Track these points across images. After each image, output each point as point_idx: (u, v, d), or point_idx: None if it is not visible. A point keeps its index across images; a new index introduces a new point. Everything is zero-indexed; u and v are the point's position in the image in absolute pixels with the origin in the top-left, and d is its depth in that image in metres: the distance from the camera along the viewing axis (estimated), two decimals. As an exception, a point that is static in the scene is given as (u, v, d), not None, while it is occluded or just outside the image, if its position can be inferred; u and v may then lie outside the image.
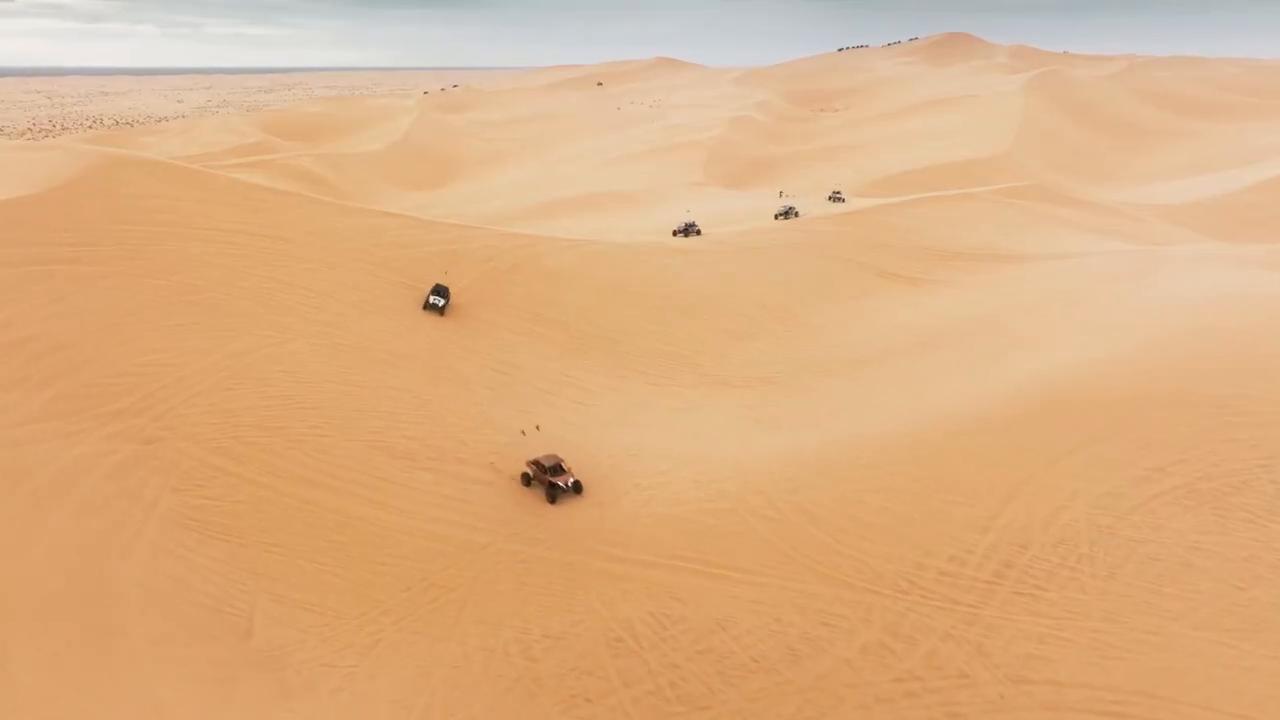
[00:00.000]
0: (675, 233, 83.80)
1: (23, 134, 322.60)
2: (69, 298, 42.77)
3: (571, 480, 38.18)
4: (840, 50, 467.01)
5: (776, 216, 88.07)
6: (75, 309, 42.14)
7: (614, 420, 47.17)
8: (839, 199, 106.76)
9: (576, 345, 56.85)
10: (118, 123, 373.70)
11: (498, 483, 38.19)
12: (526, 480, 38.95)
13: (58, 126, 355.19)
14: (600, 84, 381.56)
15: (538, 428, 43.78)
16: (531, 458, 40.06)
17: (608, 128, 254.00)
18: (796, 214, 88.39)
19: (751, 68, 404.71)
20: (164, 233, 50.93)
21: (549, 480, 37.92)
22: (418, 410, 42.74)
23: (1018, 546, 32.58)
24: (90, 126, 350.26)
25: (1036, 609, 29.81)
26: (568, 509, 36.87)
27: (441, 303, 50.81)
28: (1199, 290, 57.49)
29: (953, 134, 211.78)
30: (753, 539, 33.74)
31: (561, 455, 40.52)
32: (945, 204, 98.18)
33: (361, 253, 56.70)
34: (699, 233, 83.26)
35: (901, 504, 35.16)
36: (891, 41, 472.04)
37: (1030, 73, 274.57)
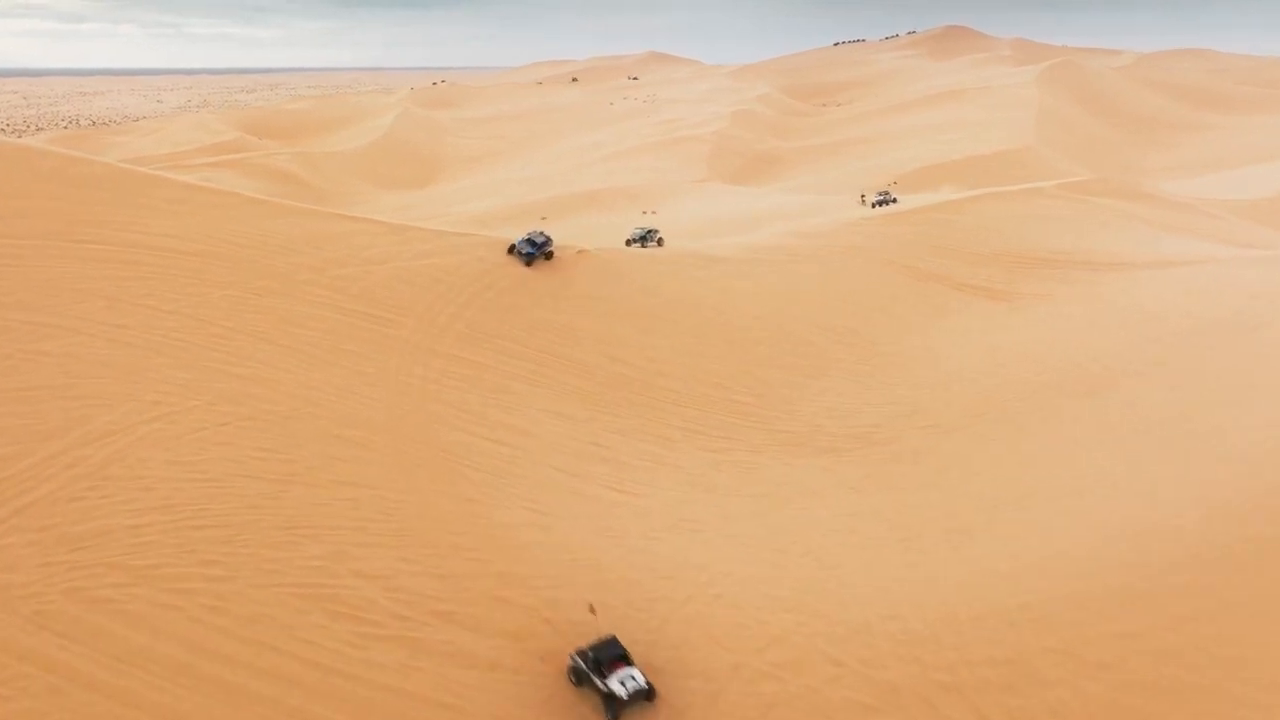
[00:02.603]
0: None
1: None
2: None
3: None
4: (836, 44, 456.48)
5: (629, 242, 67.71)
6: None
7: (669, 519, 32.34)
8: (889, 200, 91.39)
9: (603, 395, 42.08)
10: (94, 123, 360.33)
11: (505, 662, 23.26)
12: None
13: (32, 127, 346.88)
14: (635, 78, 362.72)
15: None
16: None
17: (601, 123, 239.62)
18: (660, 242, 68.00)
19: (746, 63, 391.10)
20: (24, 248, 35.81)
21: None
22: (381, 522, 27.79)
23: None
24: (65, 126, 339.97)
25: None
26: None
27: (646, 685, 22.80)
28: None
29: (968, 126, 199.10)
30: (967, 797, 19.18)
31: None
32: (1009, 200, 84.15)
33: (310, 272, 41.68)
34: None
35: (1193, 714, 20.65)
36: (889, 35, 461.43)
37: (1041, 64, 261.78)
